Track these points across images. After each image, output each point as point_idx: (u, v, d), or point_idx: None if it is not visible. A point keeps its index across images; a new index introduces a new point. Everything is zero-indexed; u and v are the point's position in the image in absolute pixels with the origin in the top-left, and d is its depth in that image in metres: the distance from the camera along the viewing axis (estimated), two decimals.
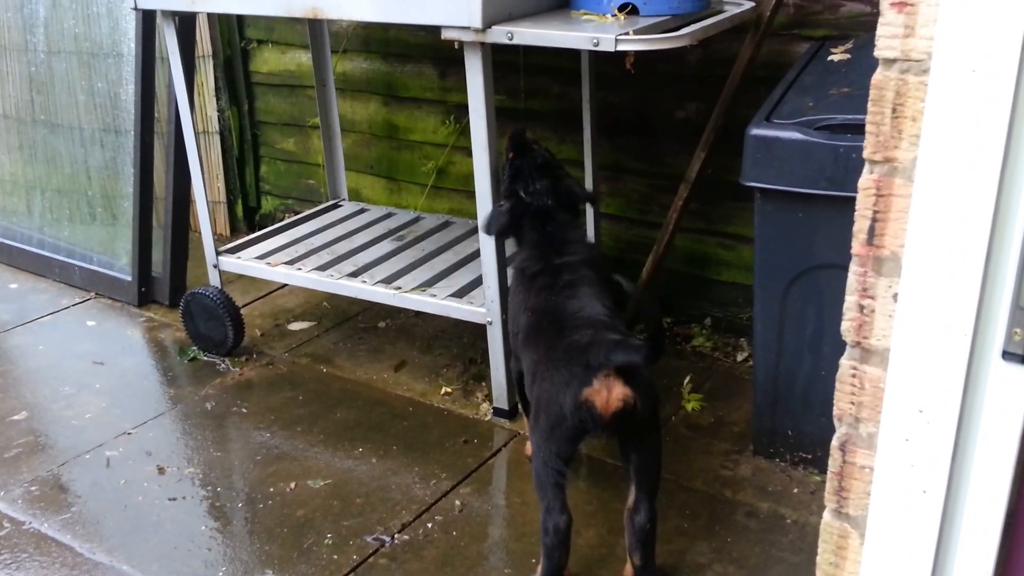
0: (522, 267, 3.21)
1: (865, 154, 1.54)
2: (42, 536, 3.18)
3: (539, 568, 2.82)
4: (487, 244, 3.49)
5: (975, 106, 1.36)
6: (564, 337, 2.80)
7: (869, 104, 1.51)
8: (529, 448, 3.41)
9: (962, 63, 1.36)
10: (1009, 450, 1.48)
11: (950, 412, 1.51)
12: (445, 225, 4.60)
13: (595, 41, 2.97)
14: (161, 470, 3.50)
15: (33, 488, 3.42)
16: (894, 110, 1.48)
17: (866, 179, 1.55)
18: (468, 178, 3.65)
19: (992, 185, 1.37)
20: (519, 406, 3.56)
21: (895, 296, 1.55)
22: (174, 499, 3.35)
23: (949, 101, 1.39)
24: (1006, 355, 1.44)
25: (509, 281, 3.38)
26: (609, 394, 2.59)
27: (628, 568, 2.84)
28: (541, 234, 3.22)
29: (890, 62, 1.47)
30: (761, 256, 3.17)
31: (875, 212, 1.55)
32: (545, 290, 3.05)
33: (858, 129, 2.78)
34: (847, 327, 1.64)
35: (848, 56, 3.30)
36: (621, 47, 2.95)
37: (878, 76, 1.49)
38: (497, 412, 3.77)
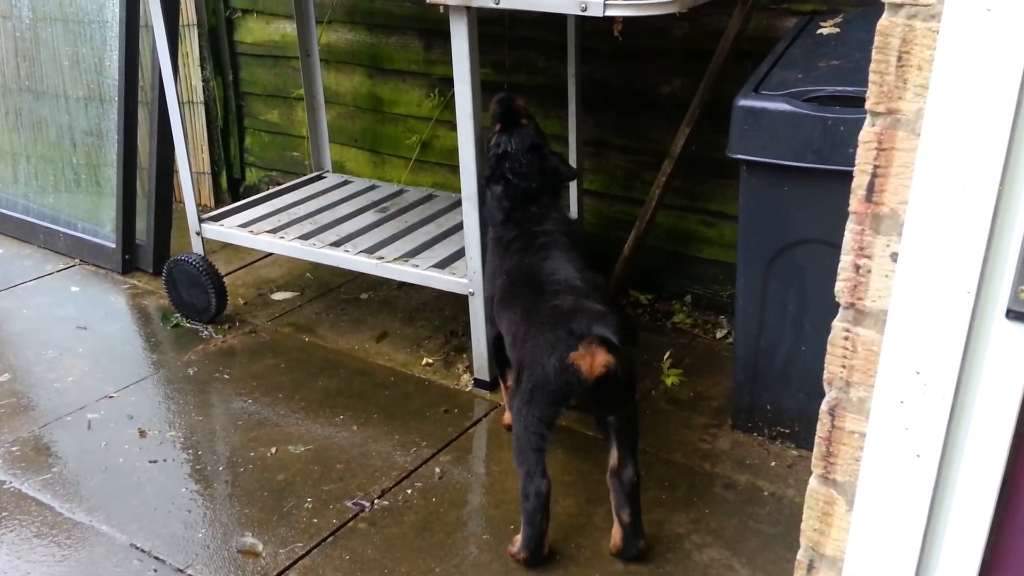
0: (499, 235, 3.26)
1: (867, 105, 1.47)
2: (22, 495, 3.18)
3: (520, 535, 2.84)
4: (470, 216, 3.49)
5: (988, 50, 1.30)
6: (544, 301, 2.84)
7: (873, 52, 1.44)
8: (507, 417, 3.43)
9: (976, 3, 1.29)
10: (1008, 413, 1.44)
11: (949, 373, 1.46)
12: (428, 198, 4.61)
13: (583, 6, 2.93)
14: (142, 433, 3.51)
15: (14, 449, 3.42)
16: (899, 58, 1.42)
17: (867, 132, 1.49)
18: (452, 152, 3.65)
19: (1004, 135, 1.32)
20: (499, 376, 3.57)
21: (893, 255, 1.49)
22: (155, 462, 3.36)
23: (961, 45, 1.32)
24: (1011, 314, 1.39)
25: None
26: (593, 359, 2.64)
27: (616, 531, 2.86)
28: (523, 209, 3.26)
29: (896, 7, 1.40)
30: (745, 230, 3.17)
31: (875, 167, 1.48)
32: (520, 252, 3.10)
33: (847, 101, 2.80)
34: (841, 288, 1.59)
35: (837, 30, 3.28)
36: (609, 12, 2.90)
37: (883, 22, 1.42)
38: (478, 383, 3.79)
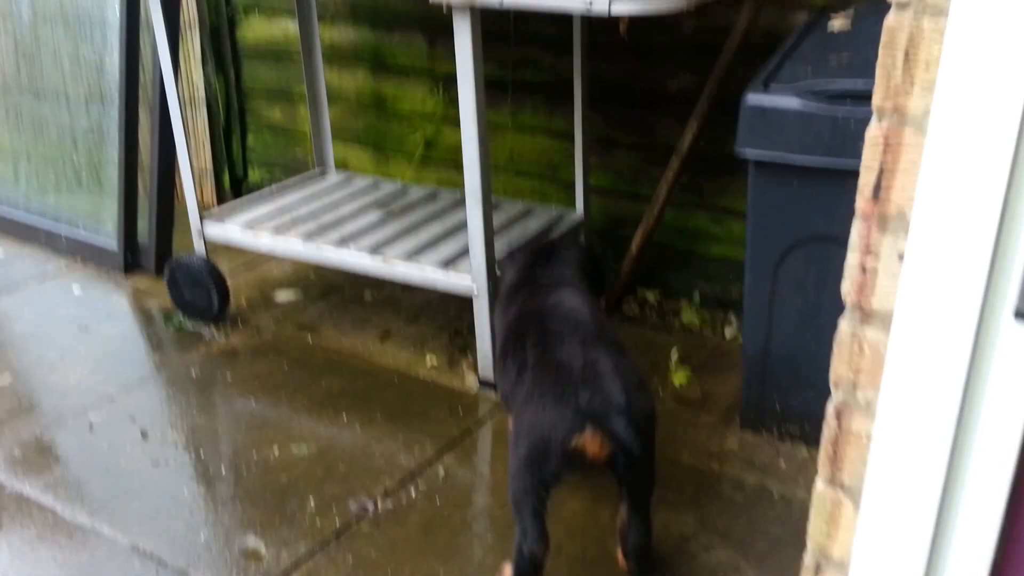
0: (506, 297, 3.16)
1: (874, 103, 1.46)
2: (23, 498, 3.16)
3: (510, 569, 2.61)
4: (474, 215, 3.46)
5: (996, 47, 1.28)
6: (548, 346, 2.63)
7: (880, 49, 1.43)
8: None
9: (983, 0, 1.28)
10: (1017, 414, 1.42)
11: (956, 375, 1.44)
12: (432, 196, 4.57)
13: (589, 4, 2.91)
14: (145, 435, 3.49)
15: (16, 451, 3.40)
16: (906, 56, 1.40)
17: (874, 130, 1.47)
18: (456, 149, 3.61)
19: (1012, 133, 1.30)
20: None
21: (900, 255, 1.47)
22: (157, 463, 3.34)
23: (968, 43, 1.31)
24: (1020, 314, 1.37)
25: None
26: (604, 439, 2.40)
27: (622, 559, 2.75)
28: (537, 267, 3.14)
29: (904, 5, 1.38)
30: (754, 228, 3.13)
31: (882, 165, 1.47)
32: (525, 298, 2.97)
33: (858, 97, 2.77)
34: (848, 288, 1.57)
35: (848, 25, 3.25)
36: (615, 10, 2.88)
37: (890, 19, 1.40)
38: (482, 383, 3.75)
